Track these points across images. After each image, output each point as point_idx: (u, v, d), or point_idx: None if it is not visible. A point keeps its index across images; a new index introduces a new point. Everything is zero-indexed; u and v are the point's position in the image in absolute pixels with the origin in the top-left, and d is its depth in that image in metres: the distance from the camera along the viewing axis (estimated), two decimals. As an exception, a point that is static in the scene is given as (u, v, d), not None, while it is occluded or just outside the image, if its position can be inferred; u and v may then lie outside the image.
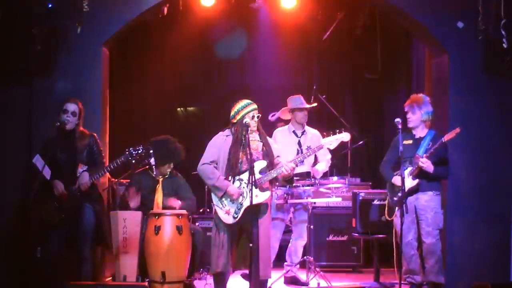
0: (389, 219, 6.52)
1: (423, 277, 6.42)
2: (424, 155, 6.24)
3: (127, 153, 6.06)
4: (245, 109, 5.91)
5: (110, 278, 6.92)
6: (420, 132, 6.46)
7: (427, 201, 6.36)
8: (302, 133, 7.25)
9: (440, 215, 6.39)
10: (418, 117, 6.42)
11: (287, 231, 7.54)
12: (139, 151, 6.07)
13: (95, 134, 6.26)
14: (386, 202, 6.63)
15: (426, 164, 6.21)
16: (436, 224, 6.34)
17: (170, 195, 6.82)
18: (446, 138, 6.14)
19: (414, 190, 6.34)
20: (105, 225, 6.32)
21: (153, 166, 6.34)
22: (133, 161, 6.11)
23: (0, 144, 6.74)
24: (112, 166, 6.13)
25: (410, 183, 6.31)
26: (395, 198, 6.37)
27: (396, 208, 6.37)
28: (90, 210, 6.08)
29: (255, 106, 5.96)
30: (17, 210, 6.53)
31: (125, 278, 6.44)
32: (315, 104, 7.53)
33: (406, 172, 6.30)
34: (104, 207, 6.37)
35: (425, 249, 6.34)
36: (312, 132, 7.28)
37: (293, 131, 7.27)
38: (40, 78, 6.79)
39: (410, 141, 6.41)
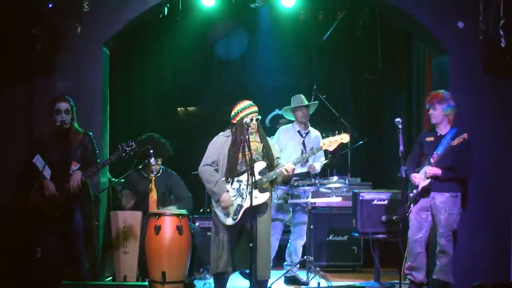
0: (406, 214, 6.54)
1: (431, 275, 6.44)
2: (435, 157, 6.26)
3: (120, 149, 6.06)
4: (245, 111, 5.90)
5: (110, 278, 6.92)
6: (444, 129, 6.43)
7: (442, 202, 6.34)
8: (307, 134, 7.28)
9: (455, 216, 6.34)
10: (439, 112, 6.39)
11: (287, 230, 7.54)
12: (132, 147, 6.06)
13: (90, 133, 6.24)
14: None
15: (432, 172, 6.26)
16: (449, 225, 6.32)
17: (165, 194, 6.83)
18: (456, 142, 6.14)
19: (428, 190, 6.36)
20: (91, 228, 6.27)
21: (153, 166, 6.33)
22: (126, 157, 6.09)
23: (0, 144, 6.73)
24: (105, 162, 6.12)
25: (423, 182, 6.35)
26: (410, 194, 6.42)
27: (412, 204, 6.44)
28: (79, 210, 6.06)
29: (255, 108, 5.95)
30: (17, 210, 6.52)
31: (125, 278, 6.45)
32: (314, 102, 7.51)
33: (422, 171, 6.36)
34: (93, 209, 6.29)
35: (438, 249, 6.37)
36: (315, 133, 7.31)
37: (298, 131, 7.29)
38: (40, 78, 6.79)
39: (432, 138, 6.43)
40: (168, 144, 6.93)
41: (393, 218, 6.95)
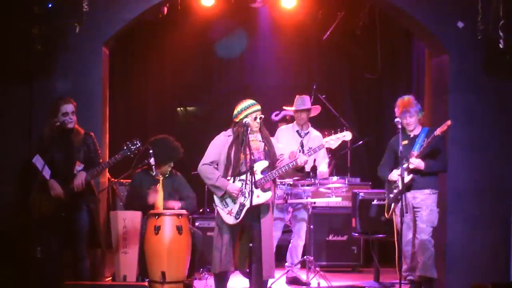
0: (387, 217, 6.54)
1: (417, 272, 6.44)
2: (416, 153, 6.30)
3: (125, 148, 6.05)
4: (248, 110, 5.90)
5: (110, 278, 6.92)
6: (416, 130, 6.53)
7: (423, 199, 6.39)
8: (306, 134, 7.27)
9: (435, 213, 6.41)
10: (415, 118, 6.49)
11: (287, 231, 7.54)
12: (138, 145, 6.06)
13: (92, 134, 6.24)
14: (386, 201, 6.65)
15: (415, 163, 6.30)
16: (430, 221, 6.37)
17: (171, 195, 6.81)
18: (439, 131, 6.21)
19: (409, 186, 6.38)
20: (98, 226, 6.29)
21: (153, 166, 6.32)
22: (132, 155, 6.09)
23: (0, 144, 6.73)
24: (111, 162, 6.12)
25: (405, 178, 6.33)
26: (391, 195, 6.45)
27: (392, 205, 6.44)
28: (85, 209, 6.06)
29: (258, 107, 5.94)
30: (17, 210, 6.52)
31: (125, 278, 6.44)
32: (315, 106, 7.50)
33: (401, 170, 6.34)
34: (98, 208, 6.32)
35: (418, 245, 6.37)
36: (315, 134, 7.30)
37: (297, 131, 7.29)
38: (40, 78, 6.78)
39: (406, 141, 6.48)
40: (180, 146, 6.92)
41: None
